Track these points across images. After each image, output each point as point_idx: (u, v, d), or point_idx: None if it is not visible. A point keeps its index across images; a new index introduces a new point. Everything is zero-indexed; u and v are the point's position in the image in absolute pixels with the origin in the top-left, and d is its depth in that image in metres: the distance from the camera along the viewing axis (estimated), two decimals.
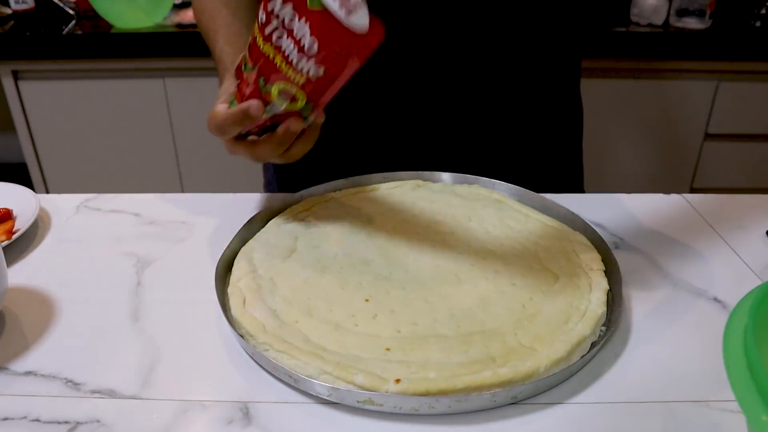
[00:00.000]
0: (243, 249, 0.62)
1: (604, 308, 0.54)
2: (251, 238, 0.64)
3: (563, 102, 0.88)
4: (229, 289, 0.56)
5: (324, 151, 0.78)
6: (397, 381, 0.45)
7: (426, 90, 0.79)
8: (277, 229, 0.65)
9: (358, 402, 0.45)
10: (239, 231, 0.63)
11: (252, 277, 0.57)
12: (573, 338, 0.49)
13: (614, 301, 0.55)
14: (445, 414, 0.45)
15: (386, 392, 0.45)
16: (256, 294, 0.55)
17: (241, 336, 0.51)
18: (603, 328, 0.53)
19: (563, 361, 0.48)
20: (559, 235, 0.63)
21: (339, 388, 0.45)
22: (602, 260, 0.59)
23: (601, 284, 0.56)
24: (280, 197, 0.70)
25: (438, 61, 0.77)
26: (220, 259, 0.59)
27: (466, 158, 0.81)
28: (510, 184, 0.72)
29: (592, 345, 0.51)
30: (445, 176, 0.75)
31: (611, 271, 0.58)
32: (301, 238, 0.64)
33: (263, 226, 0.66)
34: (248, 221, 0.65)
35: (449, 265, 0.59)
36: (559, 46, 0.83)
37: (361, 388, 0.45)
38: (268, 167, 0.95)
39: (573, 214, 0.66)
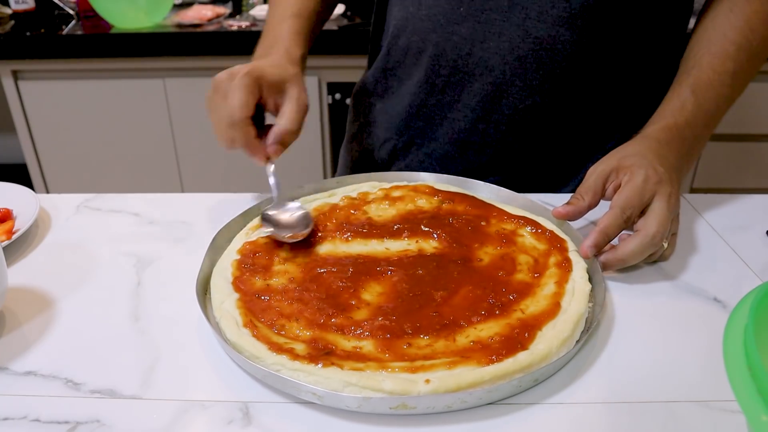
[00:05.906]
0: (217, 266, 0.59)
1: (590, 284, 0.56)
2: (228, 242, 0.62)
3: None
4: (216, 313, 0.53)
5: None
6: (427, 381, 0.44)
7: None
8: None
9: (390, 408, 0.44)
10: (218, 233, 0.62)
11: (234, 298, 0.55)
12: (572, 317, 0.52)
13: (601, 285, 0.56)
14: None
15: (418, 394, 0.44)
16: (246, 314, 0.53)
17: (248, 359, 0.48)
18: (590, 305, 0.54)
19: (569, 339, 0.50)
20: (543, 238, 0.63)
21: (370, 398, 0.43)
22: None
23: (579, 263, 0.58)
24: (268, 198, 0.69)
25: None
26: (198, 276, 0.56)
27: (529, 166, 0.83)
28: (498, 187, 0.71)
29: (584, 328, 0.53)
30: (428, 177, 0.73)
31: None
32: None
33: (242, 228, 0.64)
34: (226, 224, 0.64)
35: (435, 267, 0.58)
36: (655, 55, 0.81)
37: (391, 394, 0.44)
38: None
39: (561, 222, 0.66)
